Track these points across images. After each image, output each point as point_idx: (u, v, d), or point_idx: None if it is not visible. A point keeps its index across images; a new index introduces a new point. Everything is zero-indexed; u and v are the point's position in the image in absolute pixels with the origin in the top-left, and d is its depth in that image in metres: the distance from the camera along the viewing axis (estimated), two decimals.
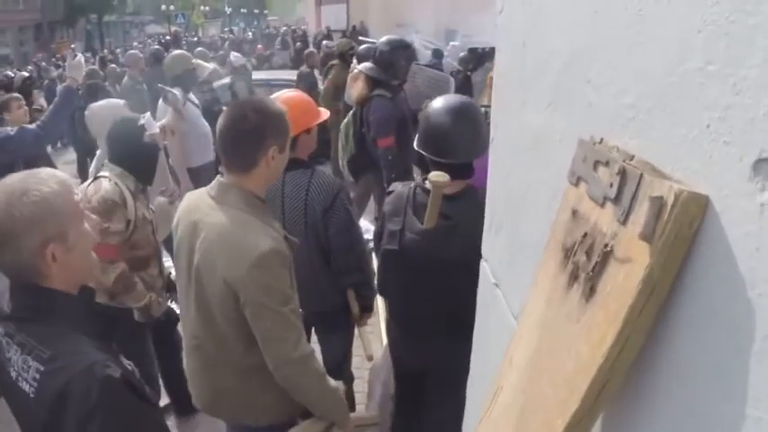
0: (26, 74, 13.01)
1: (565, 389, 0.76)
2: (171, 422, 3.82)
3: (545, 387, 0.84)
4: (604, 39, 0.88)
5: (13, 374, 1.56)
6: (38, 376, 1.51)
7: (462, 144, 2.50)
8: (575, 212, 0.83)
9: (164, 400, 3.66)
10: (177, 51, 7.33)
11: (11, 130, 4.39)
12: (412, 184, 2.75)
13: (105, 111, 4.99)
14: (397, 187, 2.82)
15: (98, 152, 5.14)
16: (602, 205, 0.75)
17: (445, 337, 2.55)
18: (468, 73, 10.57)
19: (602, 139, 0.80)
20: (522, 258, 1.37)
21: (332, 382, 2.38)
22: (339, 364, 3.41)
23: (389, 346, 3.15)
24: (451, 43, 14.02)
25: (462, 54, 11.50)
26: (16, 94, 6.15)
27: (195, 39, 36.48)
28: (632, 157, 0.71)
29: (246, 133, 2.16)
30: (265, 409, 2.43)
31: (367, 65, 5.21)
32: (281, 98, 3.01)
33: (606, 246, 0.72)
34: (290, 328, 2.20)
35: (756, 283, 0.58)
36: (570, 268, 0.81)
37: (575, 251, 0.80)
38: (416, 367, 2.87)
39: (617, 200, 0.71)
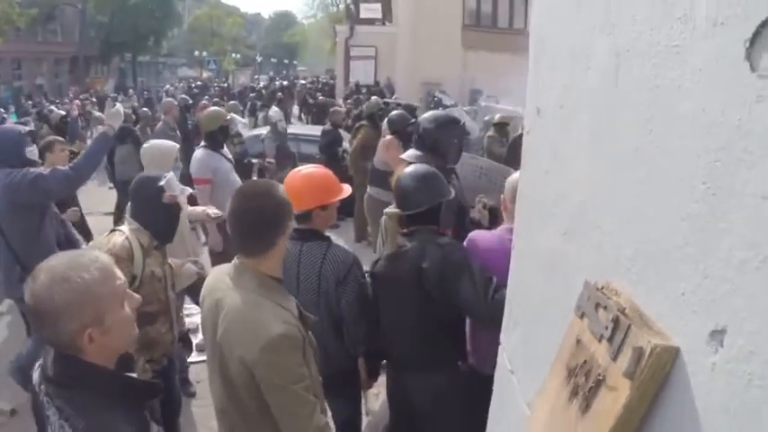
0: (63, 113, 13.20)
1: None
2: None
3: None
4: (614, 196, 1.09)
5: None
6: None
7: (416, 200, 3.12)
8: (578, 341, 1.03)
9: None
10: (212, 108, 7.58)
11: (44, 170, 4.37)
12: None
13: (156, 149, 5.07)
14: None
15: None
16: (600, 340, 0.95)
17: (413, 368, 3.14)
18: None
19: (603, 287, 1.00)
20: (534, 353, 1.56)
21: None
22: (347, 423, 3.56)
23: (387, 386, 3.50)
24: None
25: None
26: (60, 138, 6.25)
27: (225, 84, 37.28)
28: (624, 309, 0.92)
29: (266, 219, 2.30)
30: None
31: (411, 153, 4.36)
32: (303, 172, 3.19)
33: (599, 375, 0.92)
34: (304, 404, 2.31)
35: (708, 412, 0.78)
36: (572, 385, 1.01)
37: (576, 373, 1.00)
38: (402, 401, 3.28)
39: (610, 340, 0.91)
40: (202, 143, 6.08)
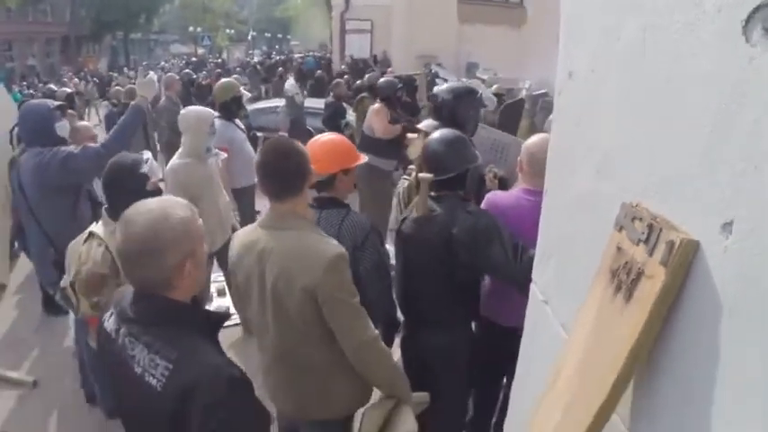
0: (68, 90, 13.23)
1: (614, 357, 1.25)
2: None
3: (599, 360, 1.33)
4: (640, 137, 1.39)
5: (138, 370, 1.80)
6: (166, 373, 1.74)
7: (448, 164, 3.29)
8: (618, 248, 1.34)
9: None
10: (225, 80, 7.66)
11: (74, 148, 4.25)
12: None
13: (193, 115, 5.17)
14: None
15: (180, 150, 5.21)
16: (637, 244, 1.26)
17: (430, 327, 3.37)
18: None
19: (637, 204, 1.31)
20: (567, 281, 1.87)
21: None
22: None
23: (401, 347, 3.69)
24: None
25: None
26: (71, 111, 6.12)
27: (219, 60, 37.25)
28: (656, 218, 1.22)
29: (296, 162, 2.68)
30: (343, 403, 2.90)
31: (428, 123, 4.52)
32: (323, 139, 3.32)
33: (639, 269, 1.23)
34: (361, 316, 2.69)
35: (723, 288, 1.08)
36: (616, 283, 1.31)
37: (618, 273, 1.31)
38: (414, 358, 3.53)
39: (646, 241, 1.22)
40: (216, 113, 6.18)
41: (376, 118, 7.35)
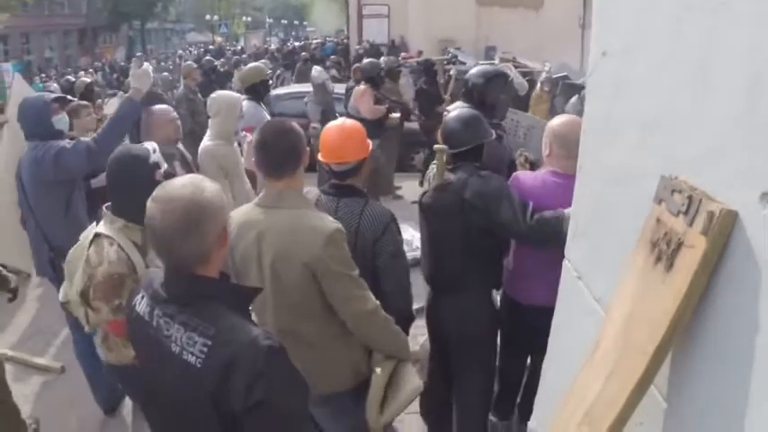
0: (88, 79, 13.25)
1: (654, 326, 1.29)
2: None
3: (639, 330, 1.37)
4: (677, 109, 1.43)
5: (175, 348, 1.81)
6: (205, 349, 1.76)
7: (463, 138, 3.49)
8: (658, 220, 1.38)
9: None
10: (253, 63, 7.79)
11: (67, 143, 4.12)
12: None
13: (223, 99, 5.21)
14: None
15: (209, 132, 5.23)
16: (677, 215, 1.30)
17: (451, 291, 3.50)
18: None
19: (676, 176, 1.34)
20: (602, 256, 1.91)
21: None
22: None
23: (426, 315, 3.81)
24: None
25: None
26: (85, 102, 6.10)
27: (238, 48, 37.28)
28: (695, 189, 1.26)
29: (293, 142, 2.76)
30: (347, 374, 2.95)
31: (458, 105, 4.41)
32: (346, 124, 3.27)
33: (679, 239, 1.27)
34: (362, 287, 2.76)
35: (762, 257, 1.12)
36: (656, 253, 1.35)
37: (658, 243, 1.35)
38: (438, 324, 3.66)
39: (686, 212, 1.26)
40: (244, 96, 6.30)
41: (361, 99, 7.71)
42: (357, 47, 23.06)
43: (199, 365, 1.76)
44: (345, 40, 29.94)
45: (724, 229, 1.17)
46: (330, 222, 2.71)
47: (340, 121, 3.42)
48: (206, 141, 5.16)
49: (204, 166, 4.96)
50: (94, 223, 3.03)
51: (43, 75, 27.24)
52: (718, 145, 1.24)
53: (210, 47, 36.74)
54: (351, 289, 2.74)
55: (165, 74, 15.09)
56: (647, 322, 1.32)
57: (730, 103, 1.20)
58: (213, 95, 5.42)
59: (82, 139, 4.26)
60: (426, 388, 3.96)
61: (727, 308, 1.22)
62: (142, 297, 1.99)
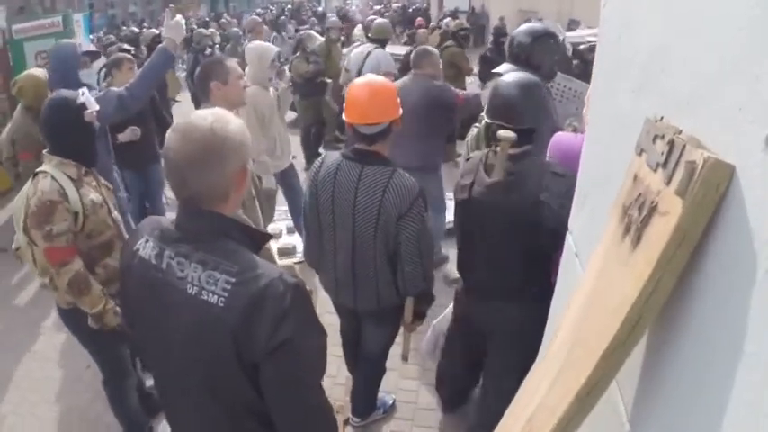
0: (156, 31, 13.22)
1: (608, 320, 0.93)
2: None
3: (593, 322, 1.01)
4: (674, 40, 1.05)
5: (192, 289, 1.73)
6: (228, 287, 1.69)
7: (527, 113, 2.79)
8: (635, 177, 1.00)
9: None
10: (382, 20, 8.71)
11: (99, 91, 4.16)
12: (485, 150, 3.03)
13: (254, 48, 5.58)
14: (477, 154, 3.09)
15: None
16: (655, 170, 0.92)
17: (502, 299, 2.95)
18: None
19: (662, 117, 0.96)
20: (597, 229, 1.53)
21: None
22: (380, 354, 3.66)
23: (455, 309, 3.43)
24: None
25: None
26: (129, 56, 6.05)
27: (319, 10, 37.03)
28: (680, 132, 0.88)
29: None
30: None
31: (505, 67, 4.04)
32: (374, 84, 3.03)
33: (653, 202, 0.89)
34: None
35: (765, 228, 0.74)
36: (626, 222, 0.98)
37: (630, 209, 0.98)
38: (477, 327, 3.20)
39: (665, 165, 0.88)
40: (374, 46, 7.41)
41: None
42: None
43: (221, 304, 1.68)
44: (425, 5, 29.48)
45: (710, 189, 0.80)
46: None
47: (368, 77, 3.18)
48: None
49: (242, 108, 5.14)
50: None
51: (125, 27, 27.54)
52: (716, 81, 0.86)
53: (289, 6, 36.64)
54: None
55: (235, 29, 15.02)
56: (602, 314, 0.96)
57: (731, 34, 0.83)
58: (249, 46, 5.81)
59: (113, 89, 4.23)
60: (445, 368, 3.71)
61: (712, 301, 0.85)
62: (146, 241, 1.88)
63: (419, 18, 20.79)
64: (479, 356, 3.32)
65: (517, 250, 2.82)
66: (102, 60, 5.69)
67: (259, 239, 1.93)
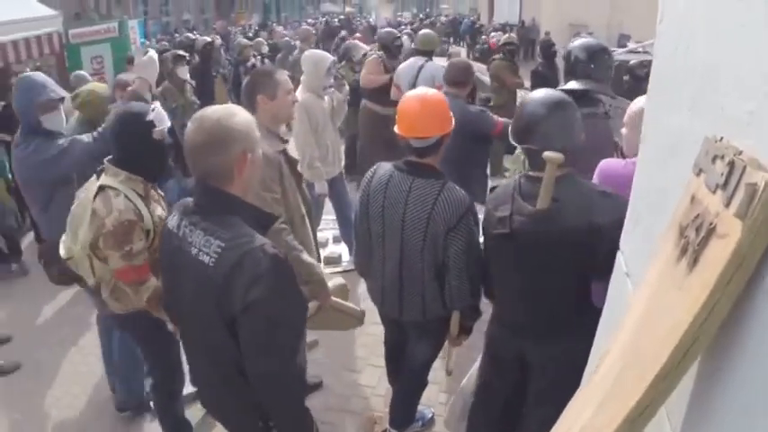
0: (208, 39, 13.53)
1: (659, 346, 0.91)
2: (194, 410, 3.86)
3: (645, 345, 0.99)
4: (733, 57, 1.01)
5: (194, 251, 2.09)
6: (219, 250, 2.02)
7: (562, 133, 2.62)
8: (693, 198, 0.97)
9: (188, 389, 3.56)
10: (428, 31, 8.82)
11: (64, 142, 3.84)
12: (516, 176, 2.84)
13: (309, 56, 5.85)
14: (501, 182, 3.02)
15: (300, 86, 5.66)
16: (714, 192, 0.89)
17: (545, 337, 2.74)
18: None
19: (722, 138, 0.94)
20: (651, 249, 1.49)
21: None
22: (423, 367, 3.61)
23: (489, 346, 3.12)
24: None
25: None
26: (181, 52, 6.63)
27: (370, 20, 37.17)
28: (741, 152, 0.85)
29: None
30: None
31: (573, 85, 3.87)
32: (427, 97, 3.03)
33: (711, 224, 0.87)
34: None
35: None
36: (682, 243, 0.96)
37: (687, 230, 0.95)
38: (518, 361, 2.93)
39: (725, 186, 0.85)
40: (425, 58, 7.44)
41: (365, 68, 7.90)
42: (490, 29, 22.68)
43: (211, 264, 2.02)
44: (475, 18, 29.44)
45: None
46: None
47: (421, 90, 3.22)
48: (298, 94, 5.39)
49: (296, 114, 5.23)
50: (94, 176, 3.08)
51: (177, 34, 28.02)
52: None
53: (341, 16, 36.93)
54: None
55: (287, 39, 15.26)
56: (655, 337, 0.93)
57: None
58: (306, 54, 6.03)
59: (78, 138, 3.94)
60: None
61: None
62: (174, 215, 2.28)
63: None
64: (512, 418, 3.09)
65: (568, 279, 2.66)
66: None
67: (264, 219, 2.23)
